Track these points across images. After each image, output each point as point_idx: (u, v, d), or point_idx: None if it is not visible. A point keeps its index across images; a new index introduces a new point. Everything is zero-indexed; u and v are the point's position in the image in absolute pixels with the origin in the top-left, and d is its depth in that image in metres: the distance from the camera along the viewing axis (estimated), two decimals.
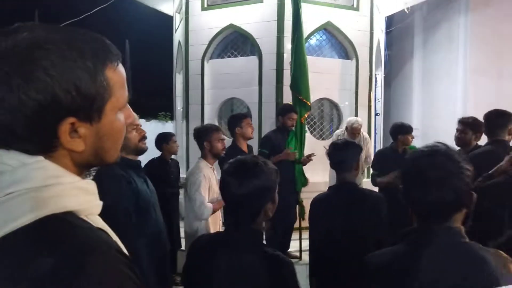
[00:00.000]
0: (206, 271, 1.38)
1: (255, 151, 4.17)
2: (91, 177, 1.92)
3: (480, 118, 3.50)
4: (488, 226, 1.87)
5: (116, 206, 1.84)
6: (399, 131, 4.23)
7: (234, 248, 1.37)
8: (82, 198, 0.64)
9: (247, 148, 3.88)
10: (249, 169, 1.35)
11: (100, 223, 0.67)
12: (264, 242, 4.44)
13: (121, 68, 0.69)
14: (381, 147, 7.03)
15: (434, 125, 9.21)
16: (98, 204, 0.68)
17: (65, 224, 0.59)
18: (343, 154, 2.24)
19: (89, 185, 0.67)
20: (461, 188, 1.07)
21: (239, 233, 1.39)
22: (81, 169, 0.68)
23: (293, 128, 4.29)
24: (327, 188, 2.42)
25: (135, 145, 2.10)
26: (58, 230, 0.58)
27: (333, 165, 2.33)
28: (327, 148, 2.39)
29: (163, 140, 4.33)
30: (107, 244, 0.62)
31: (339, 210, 2.19)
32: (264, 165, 1.37)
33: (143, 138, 2.15)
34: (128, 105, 0.73)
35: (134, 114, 2.15)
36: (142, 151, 2.16)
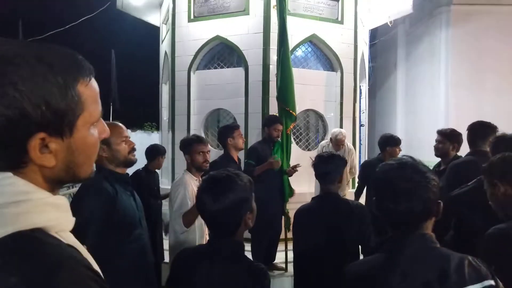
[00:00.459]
0: (188, 283, 1.38)
1: (241, 162, 4.17)
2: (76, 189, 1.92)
3: (462, 129, 3.59)
4: (468, 233, 1.90)
5: (92, 221, 1.81)
6: (388, 143, 4.29)
7: (216, 260, 1.38)
8: (52, 214, 0.63)
9: (237, 160, 3.88)
10: (223, 183, 1.37)
11: (71, 239, 0.66)
12: (250, 253, 4.40)
13: (93, 83, 0.68)
14: (366, 158, 7.11)
15: (418, 136, 9.38)
16: (69, 220, 0.67)
17: (32, 241, 0.58)
18: (328, 166, 2.30)
19: (61, 201, 0.66)
20: (429, 198, 1.15)
21: (220, 246, 1.40)
22: (53, 185, 0.67)
23: (279, 139, 4.31)
24: (311, 199, 2.44)
25: (124, 157, 2.07)
26: (24, 248, 0.57)
27: (317, 176, 2.38)
28: (313, 159, 2.43)
29: (157, 153, 4.37)
30: (75, 260, 0.61)
31: (322, 221, 2.22)
32: (237, 177, 1.39)
33: (133, 150, 2.12)
34: (102, 120, 0.73)
35: (122, 126, 2.15)
36: (131, 163, 2.13)
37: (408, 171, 1.16)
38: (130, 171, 4.32)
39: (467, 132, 3.22)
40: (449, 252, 1.14)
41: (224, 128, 3.96)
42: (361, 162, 6.80)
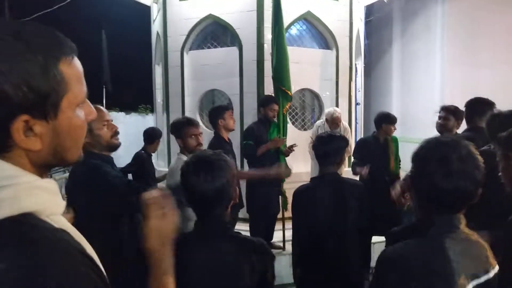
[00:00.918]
0: (182, 265, 1.38)
1: (237, 143, 4.15)
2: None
3: (457, 106, 3.59)
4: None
5: (117, 186, 1.86)
6: (384, 120, 4.29)
7: (211, 240, 1.39)
8: (42, 197, 0.61)
9: (228, 140, 3.87)
10: (211, 163, 1.37)
11: (63, 223, 0.64)
12: (248, 233, 4.43)
13: (77, 62, 0.65)
14: (362, 136, 7.11)
15: (412, 113, 9.38)
16: (60, 204, 0.65)
17: (21, 226, 0.56)
18: (328, 147, 2.25)
19: (49, 184, 0.64)
20: (480, 181, 1.10)
21: (213, 225, 1.41)
22: (41, 169, 0.65)
23: (275, 119, 4.28)
24: (310, 179, 2.43)
25: (107, 141, 2.02)
26: (13, 233, 0.55)
27: (318, 158, 2.33)
28: (313, 139, 2.40)
29: (156, 136, 4.46)
30: (67, 245, 0.59)
31: (323, 201, 2.21)
32: (222, 156, 1.42)
33: (115, 133, 2.08)
34: (88, 101, 0.70)
35: (104, 109, 2.10)
36: (115, 147, 2.09)
37: (462, 150, 1.10)
38: (128, 155, 4.35)
39: (464, 108, 3.22)
40: (478, 236, 1.15)
41: (214, 109, 3.92)
42: (356, 140, 6.82)
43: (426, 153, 1.15)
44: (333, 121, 5.04)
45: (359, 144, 4.68)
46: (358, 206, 2.23)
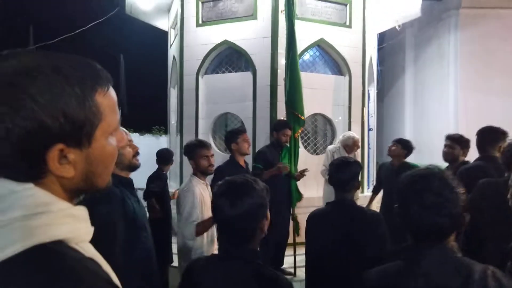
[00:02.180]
0: None
1: (249, 166, 4.17)
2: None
3: (472, 133, 3.56)
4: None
5: (108, 226, 1.82)
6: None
7: (232, 269, 1.34)
8: (73, 225, 0.63)
9: (244, 164, 3.87)
10: (241, 188, 1.35)
11: (91, 251, 0.65)
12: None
13: (112, 92, 0.68)
14: (375, 162, 7.07)
15: (426, 140, 9.29)
16: (89, 231, 0.67)
17: (52, 254, 0.57)
18: (345, 174, 2.22)
19: (80, 212, 0.66)
20: (456, 214, 1.11)
21: (236, 254, 1.36)
22: (72, 195, 0.67)
23: (287, 144, 4.30)
24: (325, 204, 2.39)
25: (129, 161, 2.09)
26: (45, 261, 0.56)
27: (333, 184, 2.29)
28: (325, 164, 2.39)
29: (168, 159, 4.52)
30: (96, 275, 0.60)
31: (338, 227, 2.17)
32: (255, 183, 1.37)
33: (136, 154, 2.14)
34: (120, 128, 0.73)
35: (125, 130, 2.16)
36: (135, 167, 2.15)
37: (437, 183, 1.12)
38: (140, 175, 4.41)
39: (476, 136, 3.19)
40: (471, 262, 1.11)
41: (229, 133, 3.97)
42: (370, 166, 6.77)
43: (403, 186, 1.18)
44: (354, 144, 4.98)
45: (378, 169, 4.79)
46: (374, 234, 2.16)
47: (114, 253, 1.73)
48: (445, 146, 3.68)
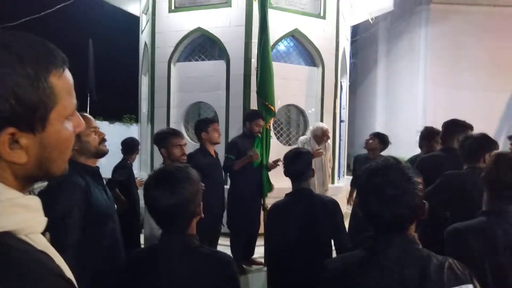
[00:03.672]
0: (146, 283, 1.35)
1: (221, 156, 4.13)
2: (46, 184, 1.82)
3: (439, 126, 3.68)
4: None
5: (67, 218, 1.74)
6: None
7: (175, 255, 1.35)
8: (22, 216, 0.59)
9: (214, 153, 3.85)
10: (177, 176, 1.35)
11: (42, 242, 0.61)
12: (229, 248, 4.35)
13: (67, 74, 0.64)
14: (345, 154, 7.18)
15: (396, 132, 9.54)
16: (41, 221, 0.63)
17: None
18: (297, 165, 2.30)
19: (31, 201, 0.62)
20: (416, 203, 1.13)
21: (177, 241, 1.37)
22: (24, 183, 0.63)
23: (260, 134, 4.29)
24: (284, 195, 2.43)
25: (95, 148, 2.01)
26: None
27: (289, 175, 2.37)
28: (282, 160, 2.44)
29: (137, 146, 4.43)
30: (45, 268, 0.57)
31: (296, 216, 2.22)
32: (189, 169, 1.39)
33: (103, 140, 2.07)
34: (77, 113, 0.68)
35: (90, 117, 2.08)
36: (103, 153, 2.07)
37: (394, 175, 1.14)
38: (109, 165, 4.30)
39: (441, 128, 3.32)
40: (430, 254, 1.14)
41: (199, 122, 3.94)
42: (340, 158, 6.88)
43: (362, 180, 1.21)
44: (323, 135, 5.03)
45: (354, 162, 4.89)
46: (332, 222, 2.24)
47: (70, 246, 1.67)
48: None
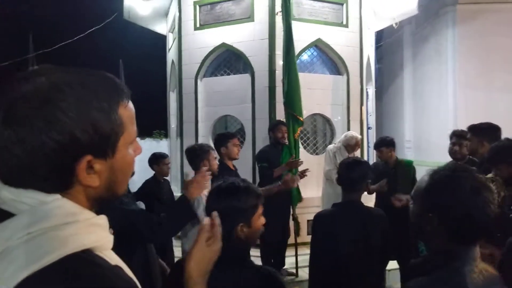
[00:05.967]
0: None
1: (249, 167, 4.18)
2: None
3: None
4: None
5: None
6: (378, 145, 4.30)
7: (223, 265, 1.37)
8: (98, 234, 0.66)
9: (233, 167, 3.77)
10: (233, 188, 1.41)
11: (115, 258, 0.68)
12: (259, 258, 4.35)
13: (131, 105, 0.72)
14: (374, 161, 7.08)
15: (426, 137, 9.31)
16: (110, 239, 0.70)
17: (84, 263, 0.60)
18: (355, 173, 2.19)
19: (102, 221, 0.69)
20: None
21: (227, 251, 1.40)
22: (93, 203, 0.70)
23: (285, 140, 4.32)
24: (332, 205, 2.36)
25: None
26: (78, 270, 0.59)
27: (342, 184, 2.27)
28: (325, 164, 2.38)
29: (153, 161, 4.35)
30: (124, 282, 0.64)
31: (346, 229, 2.15)
32: (247, 188, 1.43)
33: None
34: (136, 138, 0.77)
35: None
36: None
37: (482, 178, 1.11)
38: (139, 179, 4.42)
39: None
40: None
41: (219, 136, 3.85)
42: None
43: (455, 183, 1.12)
44: (356, 144, 4.91)
45: (373, 169, 4.66)
46: (381, 234, 2.17)
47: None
48: (452, 143, 3.63)
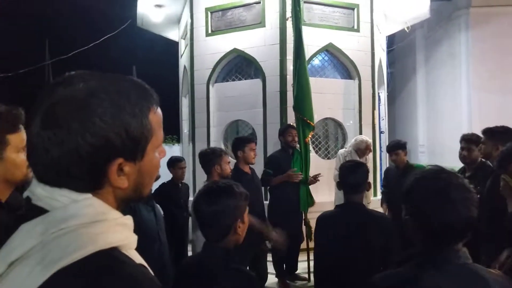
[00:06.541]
0: None
1: (259, 172, 4.20)
2: None
3: None
4: None
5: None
6: (389, 148, 4.33)
7: (207, 269, 1.46)
8: (124, 234, 0.69)
9: (250, 171, 3.83)
10: (221, 189, 1.50)
11: (139, 258, 0.71)
12: (271, 263, 4.35)
13: (159, 110, 0.76)
14: (387, 165, 7.02)
15: (440, 141, 9.19)
16: (135, 239, 0.72)
17: (113, 260, 0.64)
18: (357, 176, 2.25)
19: (129, 221, 0.72)
20: (475, 214, 1.10)
21: (210, 253, 1.48)
22: (120, 204, 0.73)
23: (296, 143, 4.33)
24: (334, 207, 2.42)
25: None
26: (108, 267, 0.62)
27: (344, 186, 2.32)
28: (337, 168, 2.42)
29: (170, 164, 4.40)
30: (150, 280, 0.67)
31: (347, 230, 2.18)
32: (236, 187, 1.51)
33: None
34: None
35: None
36: (156, 178, 2.20)
37: (456, 179, 1.13)
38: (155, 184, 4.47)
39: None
40: (484, 270, 1.10)
41: (237, 140, 3.94)
42: (382, 169, 6.73)
43: (423, 189, 1.16)
44: (366, 148, 4.92)
45: (385, 173, 4.64)
46: (383, 237, 2.17)
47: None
48: (461, 148, 3.59)
